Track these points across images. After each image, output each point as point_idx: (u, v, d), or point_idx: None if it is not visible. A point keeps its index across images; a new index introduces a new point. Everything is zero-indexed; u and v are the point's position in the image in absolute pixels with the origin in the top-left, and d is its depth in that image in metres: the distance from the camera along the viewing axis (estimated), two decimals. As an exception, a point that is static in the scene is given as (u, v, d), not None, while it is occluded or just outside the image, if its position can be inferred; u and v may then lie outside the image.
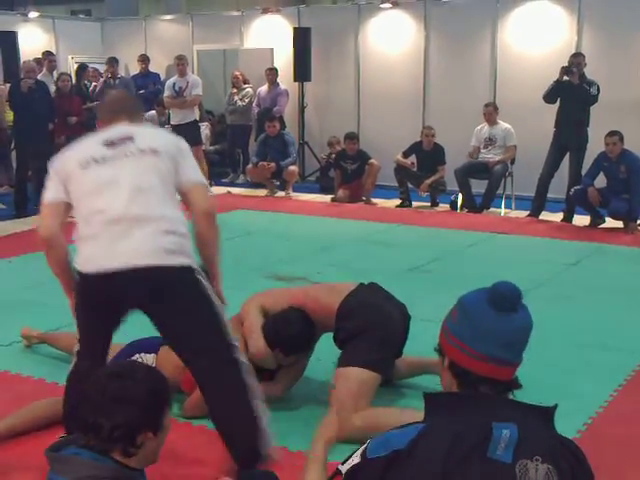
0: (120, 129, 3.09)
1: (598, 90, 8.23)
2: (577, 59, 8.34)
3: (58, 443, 2.08)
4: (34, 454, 3.20)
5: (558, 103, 8.46)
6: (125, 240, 2.84)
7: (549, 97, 8.45)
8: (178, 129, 10.07)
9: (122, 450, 2.01)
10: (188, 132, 9.73)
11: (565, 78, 8.26)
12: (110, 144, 2.99)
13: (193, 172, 3.10)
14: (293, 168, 10.39)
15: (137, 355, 3.77)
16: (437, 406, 1.76)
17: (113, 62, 11.37)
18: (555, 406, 1.78)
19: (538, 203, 8.75)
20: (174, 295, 2.87)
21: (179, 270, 2.87)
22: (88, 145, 3.08)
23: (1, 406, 3.78)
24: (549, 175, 8.63)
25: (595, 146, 8.19)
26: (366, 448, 1.73)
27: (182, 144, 3.15)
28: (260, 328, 3.60)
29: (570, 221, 8.40)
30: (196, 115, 10.62)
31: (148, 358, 3.76)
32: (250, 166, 10.58)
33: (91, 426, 2.01)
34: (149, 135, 3.13)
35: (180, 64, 10.40)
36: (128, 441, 2.00)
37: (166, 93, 10.46)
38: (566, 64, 8.29)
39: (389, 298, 3.75)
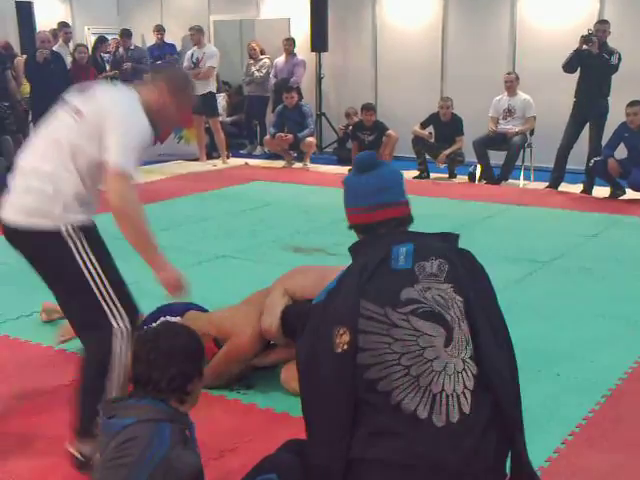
0: (96, 86, 3.00)
1: (619, 59, 8.10)
2: (602, 26, 8.20)
3: (117, 398, 2.39)
4: (52, 426, 3.25)
5: (578, 73, 8.35)
6: (11, 192, 2.89)
7: (568, 67, 8.34)
8: (197, 99, 10.19)
9: (178, 398, 2.26)
10: (204, 103, 9.78)
11: (585, 47, 8.14)
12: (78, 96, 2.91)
13: (111, 151, 2.73)
14: (311, 139, 10.35)
15: (162, 318, 3.82)
16: (355, 253, 2.25)
17: (125, 34, 11.31)
18: (458, 234, 2.23)
19: (557, 174, 8.67)
20: (33, 259, 2.94)
21: (35, 234, 2.82)
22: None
23: (25, 376, 3.83)
24: (568, 146, 8.54)
25: (616, 116, 8.09)
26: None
27: (116, 117, 2.78)
28: (279, 309, 3.55)
29: (590, 192, 8.32)
30: (212, 87, 10.57)
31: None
32: (268, 137, 10.55)
33: (148, 381, 2.24)
34: (95, 97, 2.90)
35: (194, 34, 10.43)
36: (182, 390, 2.26)
37: (185, 64, 10.48)
38: (586, 32, 8.16)
39: None
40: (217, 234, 6.70)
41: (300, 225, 7.00)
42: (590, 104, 8.29)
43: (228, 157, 11.02)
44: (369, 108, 9.82)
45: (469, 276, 2.10)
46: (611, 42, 8.20)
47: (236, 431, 3.25)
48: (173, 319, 3.83)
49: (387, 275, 2.05)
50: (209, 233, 6.75)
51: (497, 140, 9.18)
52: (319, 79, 11.52)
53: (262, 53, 11.61)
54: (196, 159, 10.77)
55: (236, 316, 3.63)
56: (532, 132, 9.27)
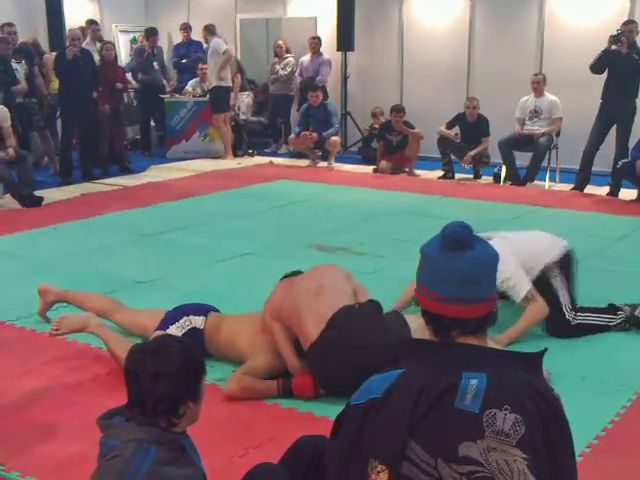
0: None
1: None
2: (629, 27, 8.11)
3: (109, 412, 2.17)
4: (76, 418, 3.27)
5: (606, 73, 8.27)
6: None
7: (596, 67, 8.26)
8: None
9: (166, 420, 2.10)
10: (218, 96, 10.42)
11: (613, 47, 8.05)
12: None
13: None
14: (335, 138, 10.34)
15: (185, 317, 3.84)
16: (415, 351, 1.78)
17: (150, 33, 11.40)
18: (542, 351, 1.75)
19: (583, 176, 8.60)
20: None
21: None
22: None
23: (49, 370, 3.86)
24: (594, 148, 8.46)
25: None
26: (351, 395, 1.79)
27: None
28: (291, 347, 3.58)
29: (616, 195, 8.24)
30: (222, 81, 10.62)
31: (197, 320, 3.84)
32: (292, 136, 10.56)
33: (136, 401, 2.10)
34: None
35: (203, 31, 10.91)
36: (171, 412, 2.09)
37: None
38: (615, 32, 8.08)
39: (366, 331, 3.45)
40: (242, 232, 6.71)
41: (324, 224, 7.00)
42: (617, 105, 8.21)
43: (252, 155, 11.05)
44: (398, 110, 9.76)
45: (549, 444, 1.66)
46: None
47: (260, 429, 3.26)
48: (198, 318, 3.86)
49: (448, 415, 1.64)
50: (234, 231, 6.76)
51: (523, 141, 9.11)
52: (345, 78, 11.50)
53: (288, 52, 11.63)
54: (221, 157, 10.80)
55: (255, 342, 3.69)
56: (558, 133, 9.19)
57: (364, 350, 3.18)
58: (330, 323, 3.42)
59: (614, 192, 8.26)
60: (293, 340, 3.57)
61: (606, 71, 8.23)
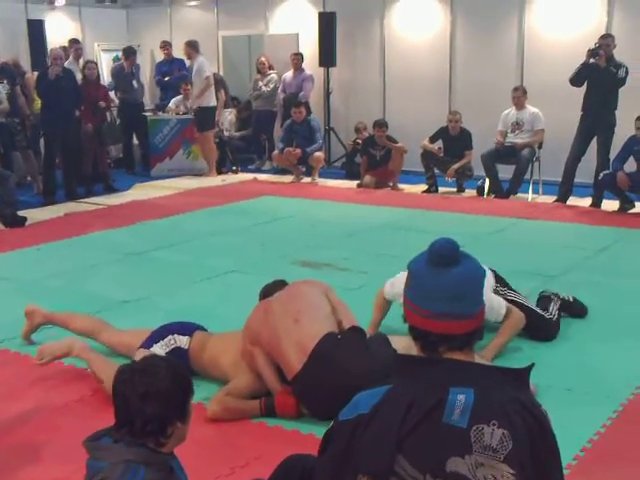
0: None
1: (626, 72, 8.10)
2: (606, 40, 8.20)
3: (96, 434, 2.15)
4: (61, 441, 3.25)
5: (585, 86, 8.35)
6: None
7: (576, 80, 8.34)
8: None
9: (154, 441, 2.09)
10: (204, 116, 10.58)
11: (592, 60, 8.14)
12: None
13: None
14: (319, 154, 10.37)
15: (170, 336, 3.83)
16: (402, 368, 1.78)
17: (128, 53, 11.43)
18: (529, 366, 1.76)
19: (565, 188, 8.66)
20: None
21: None
22: None
23: (34, 392, 3.84)
24: (575, 160, 8.53)
25: (625, 129, 8.08)
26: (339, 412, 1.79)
27: None
28: (272, 371, 3.57)
29: (599, 206, 8.30)
30: (213, 100, 10.82)
31: (182, 340, 3.83)
32: (276, 152, 10.58)
33: (123, 422, 2.09)
34: None
35: (185, 48, 10.85)
36: (160, 433, 2.08)
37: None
38: (593, 46, 8.17)
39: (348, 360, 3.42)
40: (227, 249, 6.71)
41: (309, 240, 7.01)
42: (597, 117, 8.29)
43: (236, 173, 11.08)
44: (381, 125, 9.81)
45: (537, 459, 1.66)
46: (619, 54, 8.20)
47: (246, 448, 3.25)
48: (183, 338, 3.84)
49: (436, 430, 1.64)
50: (218, 248, 6.76)
51: (505, 154, 9.17)
52: (327, 94, 11.55)
53: (270, 68, 11.67)
54: (205, 174, 10.81)
55: (237, 362, 3.69)
56: (540, 145, 9.26)
57: (349, 381, 3.07)
58: (312, 355, 3.40)
59: (596, 203, 8.31)
60: (274, 364, 3.57)
61: (585, 84, 8.31)
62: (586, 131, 8.42)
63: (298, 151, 10.16)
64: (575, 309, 4.79)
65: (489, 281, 4.24)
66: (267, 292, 3.95)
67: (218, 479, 3.00)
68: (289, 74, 11.35)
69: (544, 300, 4.67)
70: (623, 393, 3.70)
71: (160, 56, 12.52)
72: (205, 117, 10.64)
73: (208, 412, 3.46)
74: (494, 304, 4.07)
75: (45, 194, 9.08)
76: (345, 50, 11.47)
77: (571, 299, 4.80)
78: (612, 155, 8.22)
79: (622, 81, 8.11)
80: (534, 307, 4.46)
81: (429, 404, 1.66)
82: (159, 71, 12.22)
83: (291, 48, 11.73)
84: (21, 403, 3.70)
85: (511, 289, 4.50)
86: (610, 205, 8.21)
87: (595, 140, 8.43)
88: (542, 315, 4.41)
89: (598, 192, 8.30)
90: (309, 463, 2.23)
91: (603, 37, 8.31)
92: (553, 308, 4.54)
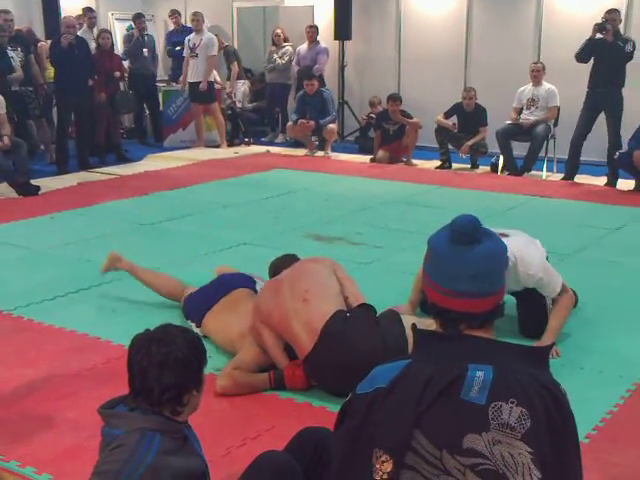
0: None
1: (634, 47, 8.05)
2: (612, 15, 8.11)
3: (110, 402, 2.16)
4: (74, 409, 3.27)
5: (592, 62, 8.28)
6: None
7: (582, 56, 8.27)
8: (194, 87, 10.55)
9: (171, 409, 2.10)
10: (208, 91, 10.44)
11: (598, 36, 8.06)
12: None
13: None
14: (332, 126, 10.31)
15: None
16: (422, 343, 1.77)
17: (138, 18, 11.33)
18: (550, 345, 1.77)
19: (571, 165, 8.60)
20: None
21: None
22: None
23: (48, 360, 3.85)
24: (581, 137, 8.46)
25: (637, 107, 8.00)
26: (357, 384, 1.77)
27: None
28: (281, 350, 3.59)
29: (614, 185, 8.24)
30: (216, 76, 10.83)
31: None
32: (290, 124, 10.53)
33: (140, 390, 2.09)
34: None
35: (194, 20, 10.67)
36: (176, 401, 2.09)
37: (184, 51, 10.80)
38: (599, 21, 8.08)
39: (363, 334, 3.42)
40: (239, 221, 6.70)
41: (321, 213, 6.99)
42: (604, 94, 8.21)
43: (248, 144, 11.04)
44: (395, 99, 9.73)
45: (554, 438, 1.65)
46: (638, 31, 8.09)
47: (258, 420, 3.26)
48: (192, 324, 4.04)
49: (453, 406, 1.64)
50: (231, 220, 6.75)
51: (520, 131, 9.10)
52: (342, 67, 11.47)
53: (285, 40, 11.58)
54: (218, 146, 10.78)
55: (245, 335, 3.73)
56: (556, 123, 9.18)
57: (361, 358, 3.10)
58: (322, 335, 3.38)
59: (611, 182, 8.25)
60: (283, 342, 3.56)
61: (592, 60, 8.23)
62: (592, 107, 8.35)
63: (311, 123, 10.11)
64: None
65: (540, 249, 4.05)
66: (277, 267, 3.95)
67: (230, 450, 3.01)
68: (304, 47, 11.26)
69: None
70: (636, 373, 3.70)
71: (172, 26, 12.42)
72: (210, 90, 10.59)
73: (217, 387, 3.45)
74: (550, 281, 3.88)
75: (58, 163, 9.07)
76: (360, 23, 11.37)
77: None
78: (623, 132, 8.14)
79: (629, 55, 8.05)
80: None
81: (447, 380, 1.65)
82: (169, 41, 12.10)
83: (306, 20, 11.63)
84: (34, 371, 3.72)
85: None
86: (625, 184, 8.14)
87: (604, 118, 8.34)
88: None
89: (613, 171, 8.23)
90: (323, 436, 2.23)
91: (609, 12, 8.21)
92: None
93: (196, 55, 10.50)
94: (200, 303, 4.11)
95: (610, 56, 8.04)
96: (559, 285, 3.92)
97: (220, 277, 4.40)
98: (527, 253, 3.85)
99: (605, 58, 8.08)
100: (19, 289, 4.84)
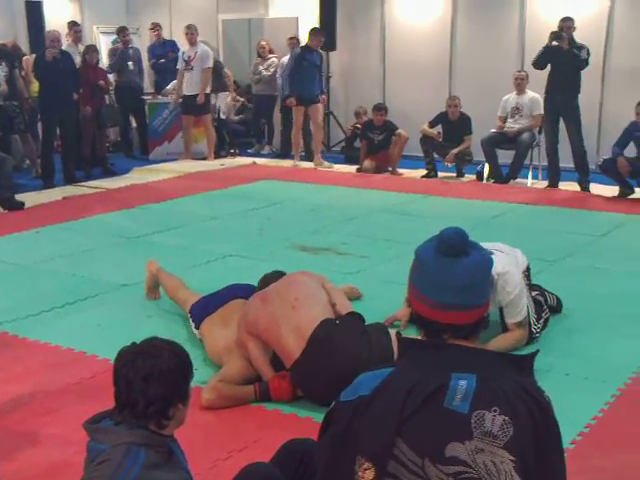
0: None
1: (588, 54, 8.23)
2: (567, 23, 8.30)
3: (96, 416, 2.16)
4: (60, 425, 3.25)
5: (548, 69, 8.41)
6: None
7: (538, 63, 8.42)
8: (189, 99, 10.47)
9: (156, 423, 2.10)
10: (202, 103, 10.37)
11: (554, 43, 8.19)
12: None
13: None
14: (318, 106, 10.21)
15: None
16: (406, 351, 1.77)
17: (122, 31, 11.32)
18: (534, 353, 1.75)
19: (553, 173, 8.71)
20: None
21: None
22: None
23: (33, 376, 3.84)
24: (552, 143, 8.59)
25: (626, 115, 8.06)
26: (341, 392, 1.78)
27: None
28: (267, 362, 3.59)
29: (587, 190, 8.36)
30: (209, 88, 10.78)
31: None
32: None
33: (126, 403, 2.09)
34: None
35: (188, 33, 10.61)
36: (162, 414, 2.09)
37: (178, 64, 10.73)
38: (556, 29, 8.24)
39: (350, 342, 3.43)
40: (225, 233, 6.70)
41: (308, 224, 6.99)
42: (562, 100, 8.37)
43: (234, 156, 11.04)
44: (380, 108, 9.78)
45: (538, 446, 1.65)
46: (621, 39, 8.17)
47: (244, 432, 3.25)
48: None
49: (436, 415, 1.64)
50: (217, 232, 6.75)
51: (505, 139, 9.15)
52: (327, 78, 11.50)
53: (271, 52, 11.61)
54: (204, 158, 10.78)
55: (231, 349, 3.73)
56: (540, 130, 9.23)
57: (348, 366, 3.08)
58: (311, 341, 3.39)
59: (585, 187, 8.38)
60: (270, 354, 3.57)
61: (549, 66, 8.39)
62: (552, 113, 8.52)
63: (292, 99, 10.07)
64: (556, 310, 4.56)
65: (520, 266, 4.08)
66: (267, 282, 3.95)
67: (216, 462, 3.00)
68: (287, 58, 11.27)
69: (537, 307, 4.26)
70: (621, 378, 3.71)
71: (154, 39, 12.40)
72: (205, 102, 10.59)
73: (203, 401, 3.44)
74: (518, 306, 3.90)
75: (43, 177, 9.05)
76: (345, 34, 11.41)
77: (555, 302, 4.55)
78: (603, 136, 8.22)
79: (585, 62, 8.24)
80: (533, 317, 4.12)
81: (430, 389, 1.65)
82: (153, 54, 12.09)
83: (291, 32, 11.65)
84: (20, 386, 3.70)
85: (530, 283, 4.27)
86: (610, 191, 8.19)
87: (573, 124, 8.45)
88: (532, 330, 4.08)
89: (584, 176, 8.38)
90: (309, 447, 2.23)
91: (564, 20, 8.38)
92: (541, 322, 4.20)
93: (191, 68, 10.45)
94: (203, 306, 4.16)
95: (566, 63, 8.21)
96: (524, 313, 3.95)
97: (229, 285, 4.40)
98: (508, 271, 3.89)
99: (561, 65, 8.27)
100: (4, 304, 4.82)
